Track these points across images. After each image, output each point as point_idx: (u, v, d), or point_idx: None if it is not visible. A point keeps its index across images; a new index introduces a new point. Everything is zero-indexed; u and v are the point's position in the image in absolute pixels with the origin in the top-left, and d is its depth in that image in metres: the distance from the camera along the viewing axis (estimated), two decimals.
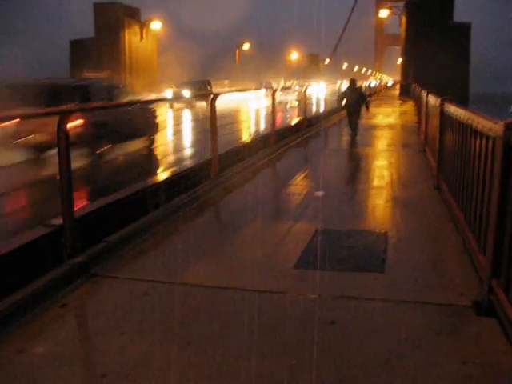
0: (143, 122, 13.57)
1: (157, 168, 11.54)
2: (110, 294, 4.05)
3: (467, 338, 3.26)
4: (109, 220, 5.49)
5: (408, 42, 43.79)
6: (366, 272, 4.33)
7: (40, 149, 10.70)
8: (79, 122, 10.55)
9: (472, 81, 46.29)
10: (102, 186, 8.22)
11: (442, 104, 7.12)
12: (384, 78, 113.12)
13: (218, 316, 3.60)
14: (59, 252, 4.33)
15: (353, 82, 14.19)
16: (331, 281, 4.15)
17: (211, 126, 7.97)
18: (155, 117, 14.56)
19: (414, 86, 24.75)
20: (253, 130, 17.02)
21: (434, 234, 5.45)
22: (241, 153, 10.22)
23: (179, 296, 3.94)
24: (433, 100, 8.94)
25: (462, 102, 6.57)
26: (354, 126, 13.71)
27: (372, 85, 56.74)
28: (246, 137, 15.51)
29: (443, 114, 7.03)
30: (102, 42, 65.37)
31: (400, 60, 53.50)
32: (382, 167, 9.60)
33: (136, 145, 13.32)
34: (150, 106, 14.47)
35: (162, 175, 8.00)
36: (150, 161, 13.21)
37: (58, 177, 4.44)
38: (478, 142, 4.32)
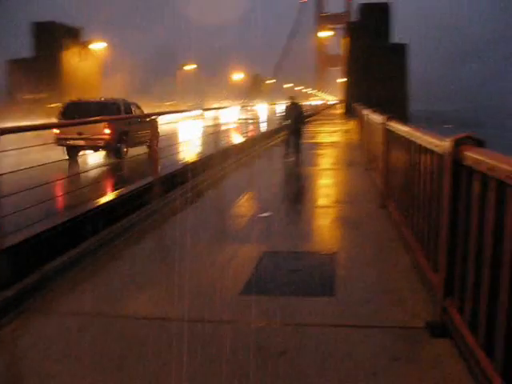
0: (150, 132, 16.72)
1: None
2: (42, 330, 3.72)
3: (425, 362, 3.14)
4: (44, 248, 5.14)
5: (350, 62, 44.80)
6: (315, 296, 4.18)
7: (76, 151, 15.52)
8: (108, 131, 15.12)
9: (415, 99, 47.88)
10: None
11: (386, 122, 7.11)
12: (326, 97, 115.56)
13: (159, 351, 3.33)
14: None
15: (292, 101, 14.03)
16: (280, 307, 3.97)
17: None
18: (157, 128, 17.08)
19: (356, 104, 25.18)
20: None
21: (383, 253, 5.36)
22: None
23: (118, 330, 3.67)
24: (376, 118, 8.97)
25: (402, 119, 6.60)
26: (296, 145, 13.60)
27: (314, 104, 57.79)
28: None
29: (388, 132, 7.03)
30: (41, 62, 63.88)
31: (340, 80, 54.65)
32: (328, 186, 9.56)
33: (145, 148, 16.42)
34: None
35: (104, 198, 7.66)
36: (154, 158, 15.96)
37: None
38: (425, 159, 4.27)
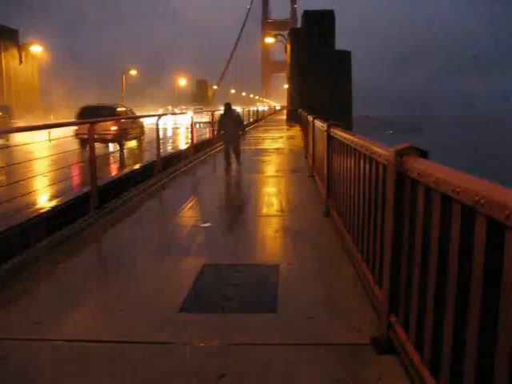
0: (139, 129, 22.79)
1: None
2: None
3: (370, 382, 3.00)
4: None
5: (292, 68, 45.01)
6: (257, 313, 3.99)
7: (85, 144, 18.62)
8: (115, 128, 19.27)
9: (357, 105, 48.53)
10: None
11: (328, 129, 7.00)
12: (271, 103, 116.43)
13: (91, 378, 3.07)
14: None
15: (228, 107, 13.35)
16: (220, 325, 3.77)
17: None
18: (143, 127, 23.53)
19: (300, 111, 25.29)
20: None
21: (326, 264, 5.23)
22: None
23: (45, 356, 3.36)
24: (319, 125, 8.88)
25: (346, 126, 6.52)
26: (235, 154, 13.20)
27: (262, 109, 58.10)
28: None
29: (330, 139, 6.92)
30: None
31: (286, 86, 54.88)
32: (271, 194, 9.36)
33: (136, 142, 21.67)
34: (141, 120, 23.39)
35: (39, 208, 7.26)
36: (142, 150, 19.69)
37: None
38: (368, 167, 4.16)
